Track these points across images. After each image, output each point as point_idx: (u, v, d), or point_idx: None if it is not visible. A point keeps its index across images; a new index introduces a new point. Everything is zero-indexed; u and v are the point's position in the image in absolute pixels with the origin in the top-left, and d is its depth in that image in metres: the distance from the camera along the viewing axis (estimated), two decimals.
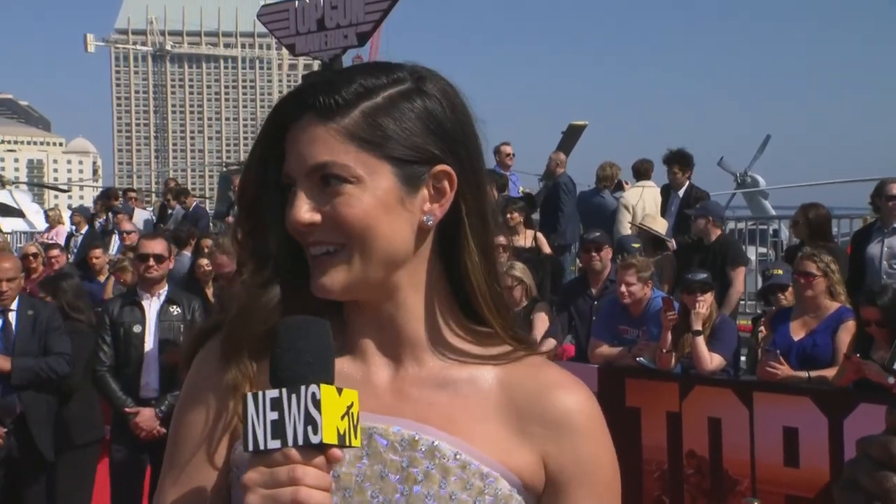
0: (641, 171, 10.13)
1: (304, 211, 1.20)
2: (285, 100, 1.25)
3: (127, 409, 5.72)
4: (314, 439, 1.07)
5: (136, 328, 5.80)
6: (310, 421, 1.06)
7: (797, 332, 5.84)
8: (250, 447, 1.07)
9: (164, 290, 5.94)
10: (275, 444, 1.06)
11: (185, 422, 1.30)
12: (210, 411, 1.28)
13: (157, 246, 5.95)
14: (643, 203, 9.74)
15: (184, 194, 14.39)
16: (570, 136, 18.50)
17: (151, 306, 5.88)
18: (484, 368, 1.28)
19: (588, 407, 1.29)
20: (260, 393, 1.07)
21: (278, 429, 1.06)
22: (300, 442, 1.07)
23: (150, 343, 5.79)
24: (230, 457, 1.27)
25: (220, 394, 1.27)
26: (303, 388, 1.07)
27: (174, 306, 5.88)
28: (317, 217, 1.20)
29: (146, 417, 5.68)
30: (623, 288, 6.42)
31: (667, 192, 9.53)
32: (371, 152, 1.20)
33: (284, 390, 1.07)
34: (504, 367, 1.29)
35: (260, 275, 1.27)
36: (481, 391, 1.26)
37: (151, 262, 5.84)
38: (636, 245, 7.85)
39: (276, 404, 1.07)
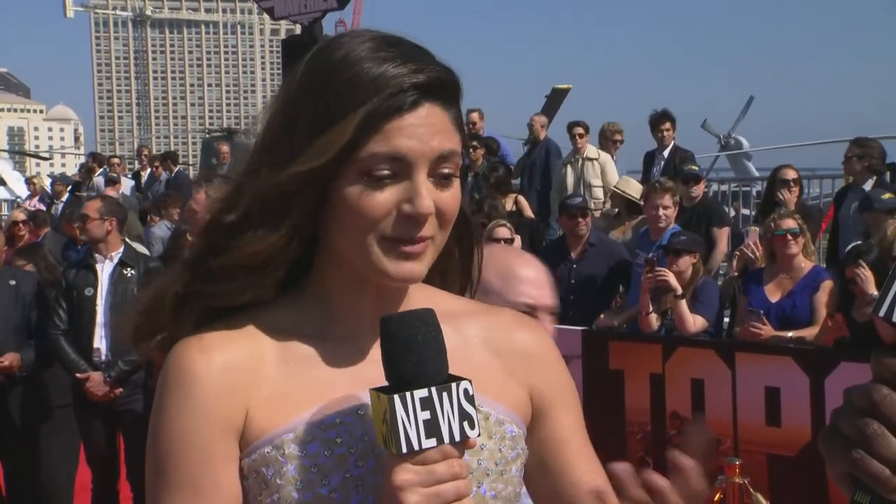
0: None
1: (431, 201, 1.16)
2: (396, 85, 1.14)
3: (78, 375, 5.57)
4: (472, 434, 1.08)
5: (88, 291, 5.61)
6: (465, 416, 1.08)
7: (773, 293, 5.87)
8: (404, 449, 1.05)
9: (117, 253, 5.73)
10: (430, 442, 1.06)
11: (179, 430, 1.17)
12: (209, 415, 1.18)
13: (89, 207, 5.93)
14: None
15: (172, 160, 14.22)
16: (554, 100, 18.43)
17: (104, 269, 5.68)
18: (461, 321, 1.30)
19: (547, 336, 1.40)
20: (407, 394, 1.05)
21: (432, 427, 1.06)
22: (457, 439, 1.07)
23: (101, 307, 5.63)
24: (241, 463, 1.19)
25: (219, 391, 1.18)
26: (453, 385, 1.08)
27: (129, 269, 5.68)
28: (433, 208, 1.16)
29: (95, 383, 5.54)
30: (660, 211, 6.56)
31: (650, 155, 9.50)
32: (462, 144, 1.21)
33: (434, 389, 1.07)
34: (470, 316, 1.34)
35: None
36: (470, 342, 1.30)
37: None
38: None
39: (427, 403, 1.06)
